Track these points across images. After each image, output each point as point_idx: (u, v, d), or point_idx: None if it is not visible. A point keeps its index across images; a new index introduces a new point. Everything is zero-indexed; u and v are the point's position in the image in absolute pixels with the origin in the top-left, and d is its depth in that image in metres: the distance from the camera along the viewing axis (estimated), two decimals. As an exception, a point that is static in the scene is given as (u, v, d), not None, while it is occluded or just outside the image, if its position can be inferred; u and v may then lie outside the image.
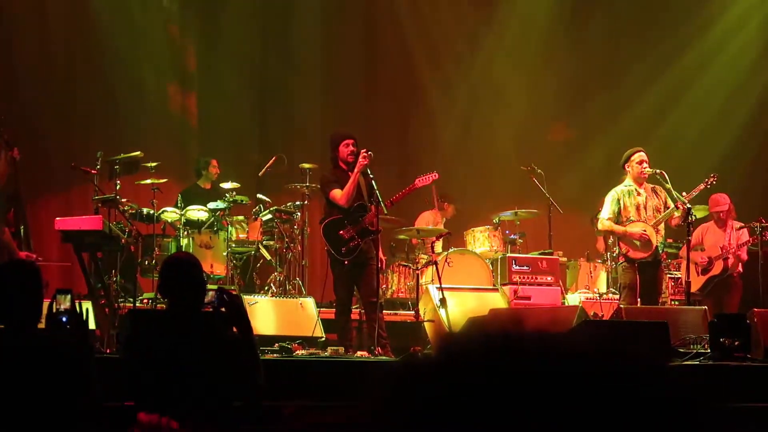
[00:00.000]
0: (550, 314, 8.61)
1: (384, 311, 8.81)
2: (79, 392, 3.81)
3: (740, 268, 9.89)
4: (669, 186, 8.89)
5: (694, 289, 9.64)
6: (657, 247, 8.94)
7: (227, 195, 10.08)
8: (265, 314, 8.81)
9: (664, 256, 9.35)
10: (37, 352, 3.84)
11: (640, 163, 8.94)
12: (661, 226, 9.00)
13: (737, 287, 9.89)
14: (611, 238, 10.01)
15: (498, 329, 0.98)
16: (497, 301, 9.66)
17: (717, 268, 9.86)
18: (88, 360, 3.95)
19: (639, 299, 8.84)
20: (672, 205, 8.92)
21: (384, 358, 7.80)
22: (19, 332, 3.88)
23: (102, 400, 3.93)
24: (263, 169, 10.84)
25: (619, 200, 8.99)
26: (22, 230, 8.96)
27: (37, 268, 4.16)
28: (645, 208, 8.98)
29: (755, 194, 12.68)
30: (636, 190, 9.00)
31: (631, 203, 8.97)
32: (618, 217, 8.98)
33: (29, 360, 3.81)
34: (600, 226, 9.40)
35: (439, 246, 10.34)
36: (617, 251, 9.32)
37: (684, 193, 8.82)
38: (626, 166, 9.08)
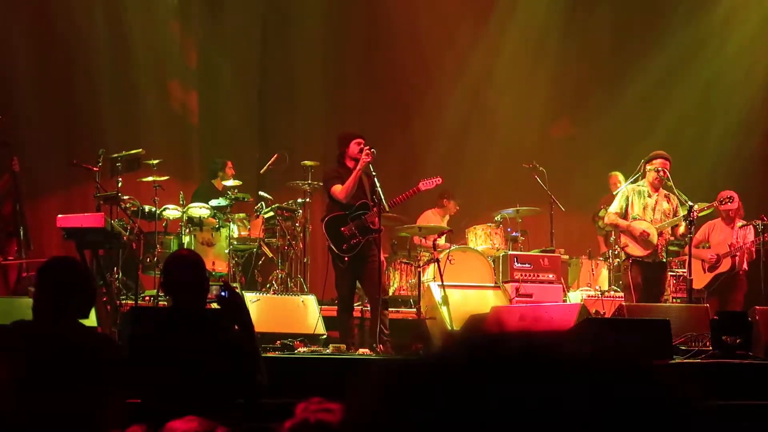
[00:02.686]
0: (547, 313, 8.61)
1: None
2: (104, 390, 3.84)
3: (746, 266, 9.89)
4: (671, 183, 8.90)
5: (700, 286, 9.66)
6: (657, 249, 8.95)
7: (229, 192, 10.08)
8: (267, 312, 8.82)
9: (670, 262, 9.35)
10: (72, 345, 3.88)
11: (659, 170, 8.96)
12: (667, 230, 9.03)
13: (742, 285, 9.90)
14: (613, 235, 10.02)
15: (482, 331, 0.98)
16: (499, 298, 9.66)
17: (725, 266, 9.86)
18: (117, 360, 4.02)
19: (641, 299, 8.84)
20: (681, 215, 8.95)
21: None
22: (63, 324, 3.94)
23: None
24: (265, 167, 10.84)
25: (628, 197, 9.07)
26: (21, 231, 8.97)
27: (82, 265, 4.25)
28: (653, 210, 9.01)
29: (755, 192, 12.67)
30: (648, 192, 9.05)
31: (639, 202, 9.02)
32: (625, 214, 9.03)
33: (65, 352, 3.85)
34: (606, 219, 9.48)
35: (441, 243, 10.33)
36: (618, 248, 9.33)
37: (696, 206, 8.84)
38: (647, 165, 9.11)
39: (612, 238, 10.29)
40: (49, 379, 3.77)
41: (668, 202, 9.08)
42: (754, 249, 9.93)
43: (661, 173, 8.95)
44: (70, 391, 3.75)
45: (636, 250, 8.94)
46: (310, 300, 9.12)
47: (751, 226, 10.01)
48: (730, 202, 9.43)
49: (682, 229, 9.04)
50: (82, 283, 4.07)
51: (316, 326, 8.75)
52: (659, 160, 9.03)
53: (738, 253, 9.84)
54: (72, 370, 3.80)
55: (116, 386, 3.89)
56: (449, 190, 11.58)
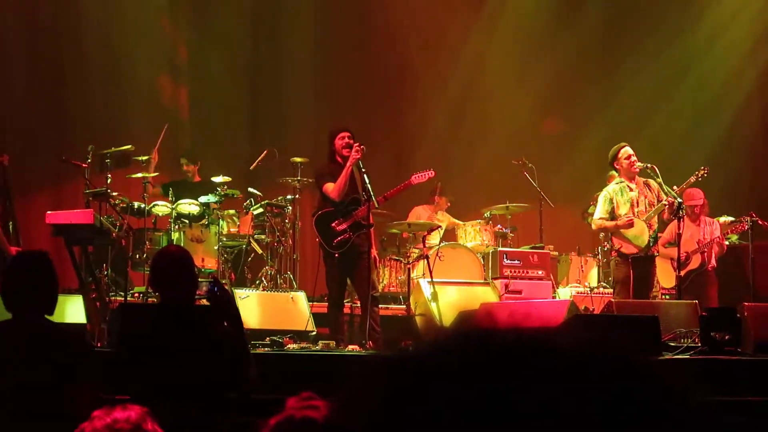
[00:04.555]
0: (536, 309, 8.62)
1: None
2: (78, 383, 3.82)
3: (714, 263, 9.93)
4: (660, 180, 8.89)
5: (672, 284, 9.64)
6: (649, 241, 8.93)
7: (218, 189, 10.05)
8: (257, 308, 8.80)
9: (655, 250, 9.28)
10: (41, 342, 3.85)
11: (628, 158, 8.92)
12: (654, 220, 8.98)
13: (713, 281, 9.94)
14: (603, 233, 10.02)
15: (474, 326, 0.98)
16: (488, 295, 9.67)
17: (695, 263, 9.87)
18: (88, 353, 3.99)
19: (632, 294, 8.84)
20: (664, 198, 8.92)
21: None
22: (27, 321, 3.90)
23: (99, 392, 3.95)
24: (254, 163, 10.83)
25: (611, 199, 8.97)
26: (11, 226, 8.95)
27: (50, 260, 4.19)
28: (638, 203, 8.98)
29: (744, 188, 12.72)
30: (628, 186, 8.98)
31: (623, 200, 8.95)
32: (612, 216, 8.96)
33: (33, 349, 3.82)
34: (594, 226, 9.40)
35: (432, 239, 10.32)
36: (608, 246, 9.31)
37: (675, 187, 8.83)
38: (615, 164, 9.08)
39: (601, 235, 10.27)
40: (20, 374, 3.76)
41: (650, 190, 9.03)
42: (725, 243, 9.99)
43: (632, 159, 8.89)
44: (42, 385, 3.74)
45: (631, 248, 8.90)
46: (300, 296, 9.11)
47: (717, 223, 10.08)
48: (703, 176, 9.28)
49: (667, 213, 8.98)
50: (51, 279, 4.05)
51: (305, 323, 8.74)
52: (623, 151, 8.98)
53: (706, 249, 9.87)
54: (42, 364, 3.79)
55: (87, 379, 3.87)
56: (439, 186, 11.56)
